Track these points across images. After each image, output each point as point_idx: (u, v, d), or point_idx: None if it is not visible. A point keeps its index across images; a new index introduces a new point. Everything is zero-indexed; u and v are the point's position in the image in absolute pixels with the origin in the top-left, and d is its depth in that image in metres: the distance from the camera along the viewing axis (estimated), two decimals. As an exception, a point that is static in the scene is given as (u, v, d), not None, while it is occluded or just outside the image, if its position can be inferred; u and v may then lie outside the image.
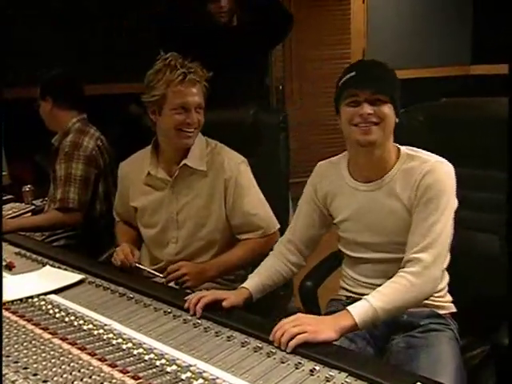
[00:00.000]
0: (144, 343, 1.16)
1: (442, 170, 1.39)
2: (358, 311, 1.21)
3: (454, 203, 1.40)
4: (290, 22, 2.62)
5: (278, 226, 1.78)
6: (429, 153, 1.46)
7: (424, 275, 1.29)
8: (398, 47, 4.55)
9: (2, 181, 2.11)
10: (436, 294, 1.43)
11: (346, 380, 1.01)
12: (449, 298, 1.52)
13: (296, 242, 1.58)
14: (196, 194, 1.74)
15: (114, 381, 1.00)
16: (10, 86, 4.48)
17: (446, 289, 1.51)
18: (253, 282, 1.48)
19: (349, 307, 1.23)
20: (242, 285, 1.47)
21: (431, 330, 1.41)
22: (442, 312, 1.47)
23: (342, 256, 1.61)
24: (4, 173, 2.85)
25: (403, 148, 1.49)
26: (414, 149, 1.48)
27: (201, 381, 1.01)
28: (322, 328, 1.16)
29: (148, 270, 1.68)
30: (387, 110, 1.39)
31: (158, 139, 1.77)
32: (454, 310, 1.51)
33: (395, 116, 1.42)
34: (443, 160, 1.42)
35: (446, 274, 1.49)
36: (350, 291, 1.54)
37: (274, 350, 1.12)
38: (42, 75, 2.37)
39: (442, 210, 1.35)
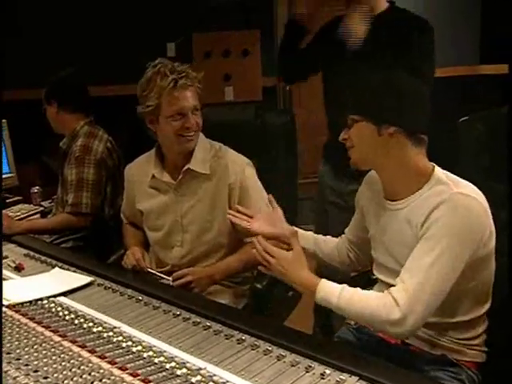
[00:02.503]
0: (154, 346, 1.16)
1: (458, 205, 1.19)
2: (325, 294, 1.21)
3: (467, 246, 1.18)
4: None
5: None
6: (463, 181, 1.27)
7: (396, 324, 1.14)
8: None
9: (1, 185, 2.08)
10: (463, 341, 1.28)
11: (357, 384, 1.00)
12: (479, 346, 1.31)
13: (351, 244, 1.56)
14: (200, 198, 1.73)
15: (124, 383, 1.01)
16: (16, 87, 4.54)
17: (480, 339, 1.31)
18: (304, 235, 1.55)
19: (322, 286, 1.22)
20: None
21: (431, 377, 1.24)
22: (460, 358, 1.29)
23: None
24: (12, 174, 2.86)
25: (439, 171, 1.30)
26: (450, 175, 1.29)
27: (211, 384, 1.00)
28: (289, 273, 1.26)
29: (160, 275, 1.68)
30: (358, 131, 1.29)
31: (160, 145, 1.76)
32: (479, 359, 1.31)
33: (381, 130, 1.26)
34: (469, 192, 1.22)
35: (485, 319, 1.32)
36: None
37: (284, 353, 1.12)
38: (46, 78, 2.38)
39: (439, 254, 1.16)
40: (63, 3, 4.71)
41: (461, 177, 1.33)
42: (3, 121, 2.81)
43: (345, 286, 1.23)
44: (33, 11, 4.70)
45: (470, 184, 1.26)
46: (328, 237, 1.62)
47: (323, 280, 1.24)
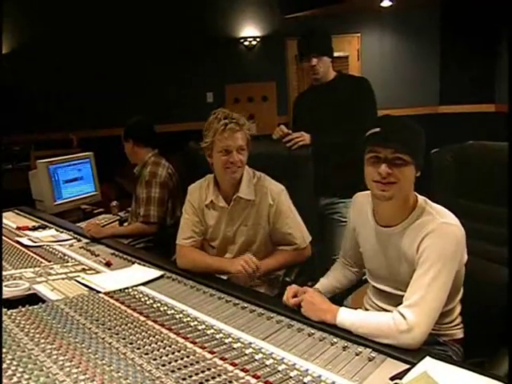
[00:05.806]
0: (214, 325, 1.17)
1: (444, 233, 1.14)
2: (343, 322, 1.11)
3: (454, 266, 1.14)
4: None
5: (310, 239, 1.72)
6: (443, 209, 1.20)
7: (406, 333, 1.04)
8: (385, 92, 4.62)
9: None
10: (443, 326, 1.24)
11: (371, 354, 1.01)
12: (457, 326, 1.28)
13: (349, 259, 1.49)
14: (246, 218, 1.69)
15: (196, 355, 1.01)
16: (98, 128, 4.70)
17: (457, 321, 1.28)
18: (323, 283, 1.47)
19: (341, 314, 1.12)
20: (315, 286, 1.45)
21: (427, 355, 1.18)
22: (444, 338, 1.25)
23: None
24: (97, 192, 2.90)
25: (421, 199, 1.23)
26: (431, 203, 1.22)
27: (260, 355, 1.01)
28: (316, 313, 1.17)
29: None
30: (407, 171, 1.17)
31: (215, 175, 1.72)
32: (460, 336, 1.27)
33: (416, 172, 1.20)
34: (451, 221, 1.16)
35: (459, 306, 1.28)
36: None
37: (313, 331, 1.11)
38: (124, 121, 2.43)
39: (435, 275, 1.10)
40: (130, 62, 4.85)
41: (433, 195, 1.30)
42: (90, 153, 2.87)
43: (359, 311, 1.15)
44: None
45: (449, 212, 1.19)
46: (330, 271, 1.52)
47: (340, 309, 1.14)
